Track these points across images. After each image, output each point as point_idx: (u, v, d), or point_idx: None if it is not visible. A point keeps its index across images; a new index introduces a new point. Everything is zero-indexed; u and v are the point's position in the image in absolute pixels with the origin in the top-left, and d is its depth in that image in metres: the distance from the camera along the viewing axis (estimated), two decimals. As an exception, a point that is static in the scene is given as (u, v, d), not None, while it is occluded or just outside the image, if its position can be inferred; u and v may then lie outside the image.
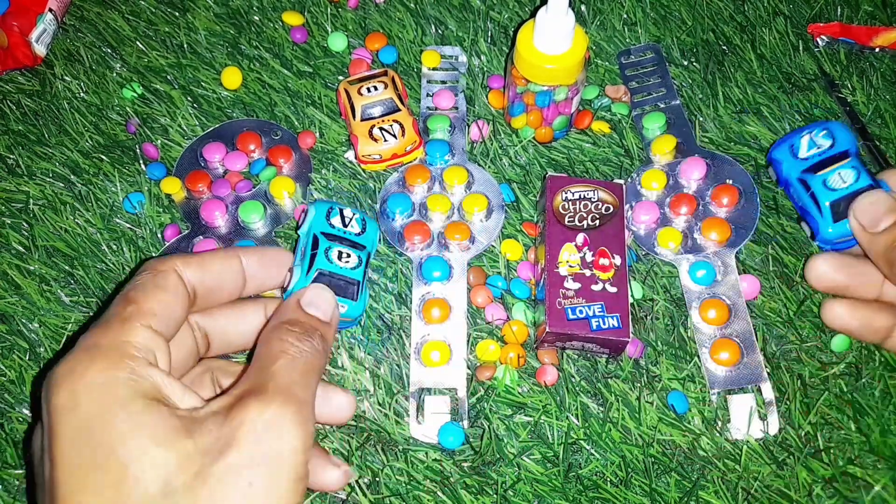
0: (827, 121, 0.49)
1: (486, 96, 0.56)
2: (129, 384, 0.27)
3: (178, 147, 0.55)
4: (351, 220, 0.47)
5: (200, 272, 0.33)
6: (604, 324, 0.43)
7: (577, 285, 0.44)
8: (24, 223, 0.52)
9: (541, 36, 0.47)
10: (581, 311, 0.43)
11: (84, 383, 0.27)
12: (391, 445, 0.44)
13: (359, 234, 0.47)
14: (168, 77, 0.58)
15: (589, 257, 0.45)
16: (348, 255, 0.45)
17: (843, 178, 0.45)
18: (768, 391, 0.45)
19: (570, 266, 0.45)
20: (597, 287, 0.44)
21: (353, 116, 0.53)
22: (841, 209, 0.45)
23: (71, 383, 0.27)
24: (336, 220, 0.47)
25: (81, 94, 0.58)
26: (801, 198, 0.48)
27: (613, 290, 0.44)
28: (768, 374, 0.46)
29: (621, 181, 0.48)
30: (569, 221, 0.46)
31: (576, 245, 0.45)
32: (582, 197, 0.47)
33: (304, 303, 0.34)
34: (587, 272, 0.44)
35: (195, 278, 0.33)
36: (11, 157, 0.55)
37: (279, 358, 0.30)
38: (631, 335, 0.43)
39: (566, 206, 0.47)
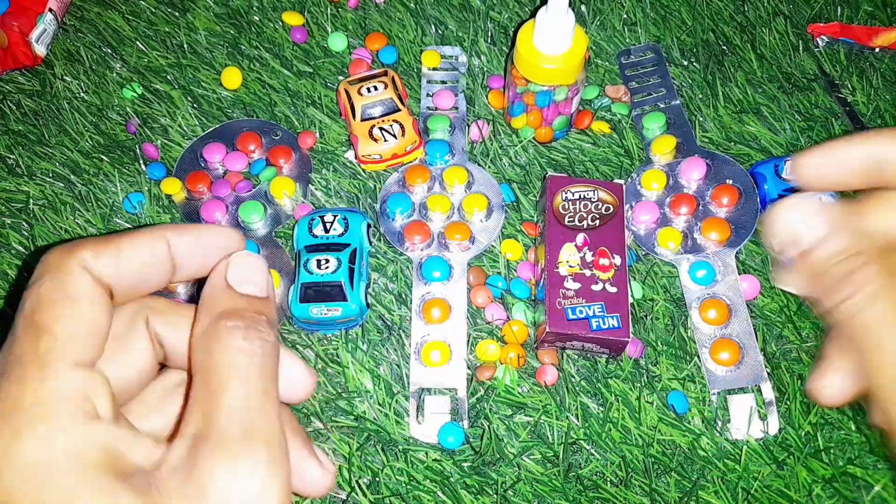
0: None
1: (486, 96, 0.56)
2: (71, 458, 0.21)
3: (178, 147, 0.55)
4: (332, 223, 0.48)
5: (115, 263, 0.26)
6: (604, 324, 0.43)
7: (577, 285, 0.44)
8: (24, 223, 0.52)
9: (541, 36, 0.47)
10: (581, 312, 0.43)
11: (15, 467, 0.21)
12: (391, 445, 0.44)
13: (342, 234, 0.48)
14: (168, 77, 0.58)
15: (589, 257, 0.45)
16: (326, 261, 0.46)
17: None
18: (768, 391, 0.45)
19: (570, 266, 0.45)
20: (597, 287, 0.44)
21: (353, 116, 0.53)
22: None
23: None
24: (318, 230, 0.48)
25: (81, 94, 0.58)
26: None
27: (613, 290, 0.44)
28: (768, 374, 0.46)
29: (621, 181, 0.48)
30: (569, 221, 0.46)
31: (576, 245, 0.45)
32: (582, 197, 0.47)
33: (235, 281, 0.27)
34: (587, 272, 0.45)
35: (110, 272, 0.25)
36: (11, 157, 0.55)
37: (230, 378, 0.24)
38: (631, 335, 0.44)
39: (566, 206, 0.47)
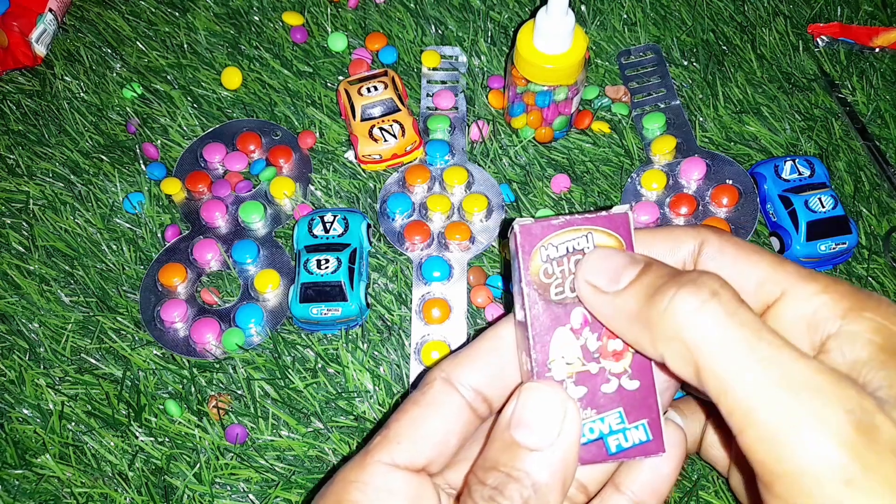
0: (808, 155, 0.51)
1: (486, 96, 0.56)
2: None
3: (178, 147, 0.55)
4: (332, 223, 0.48)
5: (473, 374, 0.28)
6: (626, 440, 0.28)
7: (581, 391, 0.28)
8: (24, 223, 0.52)
9: (541, 36, 0.47)
10: (592, 430, 0.28)
11: None
12: (391, 445, 0.44)
13: (341, 234, 0.48)
14: (168, 77, 0.58)
15: (593, 343, 0.29)
16: (326, 261, 0.46)
17: (822, 202, 0.48)
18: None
19: (568, 363, 0.28)
20: (609, 387, 0.28)
21: (353, 116, 0.53)
22: (816, 230, 0.48)
23: None
24: (318, 230, 0.48)
25: (81, 94, 0.58)
26: (778, 213, 0.49)
27: (633, 384, 0.28)
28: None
29: (625, 208, 0.29)
30: (557, 294, 0.29)
31: (571, 328, 0.29)
32: (571, 250, 0.29)
33: (513, 424, 0.25)
34: (593, 367, 0.28)
35: (468, 381, 0.28)
36: (11, 157, 0.55)
37: None
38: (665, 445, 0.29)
39: (550, 271, 0.29)
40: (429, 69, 0.58)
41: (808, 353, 0.23)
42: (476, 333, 0.48)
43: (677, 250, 0.28)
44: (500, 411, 0.27)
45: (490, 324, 0.33)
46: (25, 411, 0.46)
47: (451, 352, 0.29)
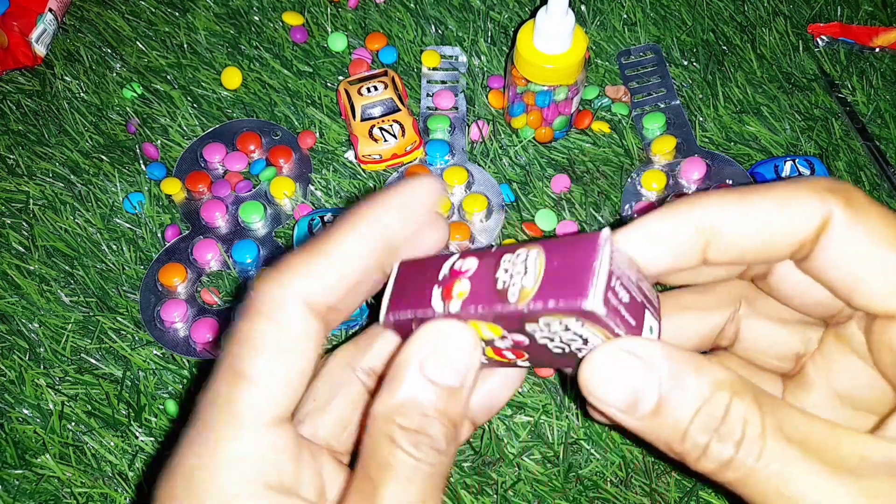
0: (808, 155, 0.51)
1: (486, 96, 0.56)
2: None
3: (178, 147, 0.55)
4: (332, 223, 0.48)
5: (335, 292, 0.23)
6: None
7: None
8: (24, 223, 0.52)
9: (541, 36, 0.47)
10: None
11: None
12: (391, 445, 0.44)
13: None
14: (168, 77, 0.58)
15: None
16: None
17: None
18: (768, 391, 0.45)
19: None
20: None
21: (353, 116, 0.53)
22: None
23: None
24: (318, 230, 0.48)
25: (81, 94, 0.58)
26: None
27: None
28: (768, 374, 0.46)
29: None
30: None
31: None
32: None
33: (425, 363, 0.23)
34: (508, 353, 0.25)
35: (328, 302, 0.23)
36: (11, 157, 0.55)
37: (388, 481, 0.22)
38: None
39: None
40: (429, 69, 0.58)
41: None
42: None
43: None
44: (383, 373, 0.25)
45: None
46: (25, 411, 0.46)
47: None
